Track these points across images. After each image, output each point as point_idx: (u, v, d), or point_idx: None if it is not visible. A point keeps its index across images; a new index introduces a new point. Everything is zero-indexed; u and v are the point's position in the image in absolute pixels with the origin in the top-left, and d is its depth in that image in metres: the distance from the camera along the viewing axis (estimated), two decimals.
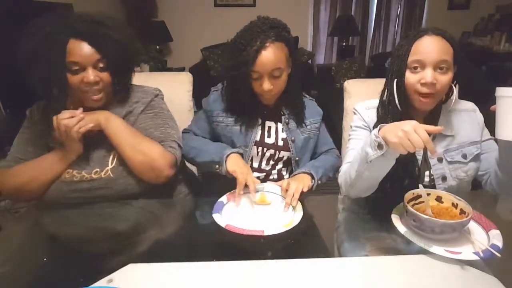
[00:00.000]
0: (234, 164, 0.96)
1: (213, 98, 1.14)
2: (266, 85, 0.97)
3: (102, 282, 0.62)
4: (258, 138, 1.09)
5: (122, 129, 0.94)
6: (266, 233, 0.74)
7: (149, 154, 0.93)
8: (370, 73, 3.84)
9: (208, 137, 1.16)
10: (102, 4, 3.15)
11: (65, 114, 0.87)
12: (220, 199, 0.88)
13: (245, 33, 0.97)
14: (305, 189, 0.92)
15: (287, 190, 0.89)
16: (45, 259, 0.71)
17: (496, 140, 0.99)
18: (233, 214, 0.85)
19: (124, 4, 3.66)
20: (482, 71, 3.47)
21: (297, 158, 1.12)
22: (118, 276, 0.63)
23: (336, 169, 1.15)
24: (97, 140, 0.95)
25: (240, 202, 0.90)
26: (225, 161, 0.98)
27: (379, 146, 0.78)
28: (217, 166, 1.00)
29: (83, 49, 0.88)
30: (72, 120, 0.86)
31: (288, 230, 0.75)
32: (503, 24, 3.78)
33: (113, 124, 0.93)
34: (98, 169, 0.94)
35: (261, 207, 0.89)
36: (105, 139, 0.94)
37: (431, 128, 0.72)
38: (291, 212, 0.86)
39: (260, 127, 1.10)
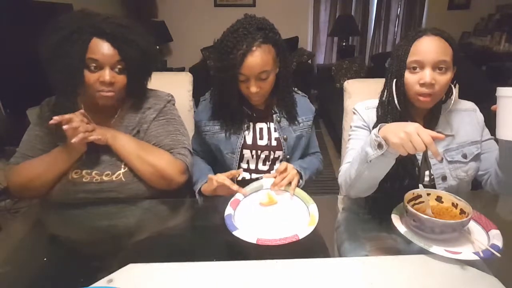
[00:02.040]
0: (208, 190, 0.99)
1: (201, 108, 1.14)
2: (253, 88, 0.97)
3: (102, 282, 0.62)
4: (250, 142, 1.09)
5: (129, 143, 0.94)
6: (301, 237, 0.72)
7: (158, 165, 0.93)
8: (370, 73, 3.84)
9: (205, 150, 1.17)
10: (102, 4, 3.16)
11: (83, 118, 0.88)
12: (227, 213, 0.82)
13: (231, 35, 0.95)
14: (296, 184, 0.94)
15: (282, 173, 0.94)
16: (45, 259, 0.71)
17: (496, 140, 0.99)
18: (251, 226, 0.79)
19: (124, 4, 3.67)
20: (482, 71, 3.48)
21: (288, 157, 1.12)
22: (118, 276, 0.63)
23: (319, 173, 1.19)
24: None
25: (247, 208, 0.88)
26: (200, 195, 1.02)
27: (379, 146, 0.78)
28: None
29: (104, 48, 0.88)
30: (88, 126, 0.87)
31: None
32: (503, 24, 3.78)
33: (120, 141, 0.94)
34: (109, 172, 0.94)
35: (269, 209, 0.87)
36: None
37: (432, 133, 0.72)
38: (303, 206, 0.86)
39: (251, 130, 1.10)
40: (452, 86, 0.95)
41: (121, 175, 0.95)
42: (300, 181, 1.03)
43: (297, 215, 0.84)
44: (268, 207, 0.87)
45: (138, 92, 1.02)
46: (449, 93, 0.97)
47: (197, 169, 1.10)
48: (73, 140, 0.83)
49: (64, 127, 0.83)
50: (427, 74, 0.88)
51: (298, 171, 1.01)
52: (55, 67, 0.87)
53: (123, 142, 0.94)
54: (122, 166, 0.95)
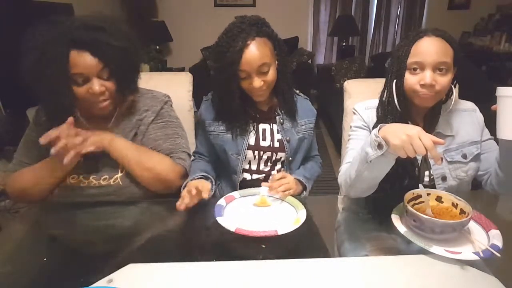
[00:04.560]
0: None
1: (204, 108, 1.14)
2: (256, 82, 0.96)
3: (102, 282, 0.62)
4: (253, 143, 1.09)
5: (128, 148, 0.93)
6: (280, 233, 0.74)
7: (158, 170, 0.93)
8: (370, 73, 3.84)
9: (209, 149, 1.16)
10: (102, 4, 3.15)
11: (70, 130, 0.84)
12: (219, 202, 0.87)
13: (225, 36, 0.95)
14: (291, 193, 0.93)
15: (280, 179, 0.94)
16: (45, 259, 0.71)
17: (496, 140, 0.99)
18: (236, 217, 0.83)
19: (124, 4, 3.66)
20: (482, 71, 3.48)
21: (290, 158, 1.12)
22: (118, 276, 0.63)
23: (318, 177, 1.21)
24: None
25: (240, 205, 0.90)
26: None
27: (379, 146, 0.78)
28: None
29: (86, 60, 0.84)
30: (76, 140, 0.84)
31: (298, 228, 0.76)
32: (503, 24, 3.78)
33: (118, 146, 0.92)
34: (107, 176, 0.94)
35: (260, 209, 0.89)
36: None
37: (434, 138, 0.71)
38: (294, 211, 0.87)
39: (254, 132, 1.10)
40: (452, 86, 0.95)
41: (119, 179, 0.94)
42: (304, 192, 1.05)
43: (284, 216, 0.85)
44: (259, 208, 0.89)
45: (130, 92, 0.98)
46: (449, 93, 0.97)
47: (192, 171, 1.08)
48: (64, 161, 0.81)
49: (52, 151, 0.81)
50: (427, 75, 0.87)
51: (303, 183, 1.04)
52: (42, 87, 0.84)
53: (121, 148, 0.92)
54: (119, 170, 0.95)
